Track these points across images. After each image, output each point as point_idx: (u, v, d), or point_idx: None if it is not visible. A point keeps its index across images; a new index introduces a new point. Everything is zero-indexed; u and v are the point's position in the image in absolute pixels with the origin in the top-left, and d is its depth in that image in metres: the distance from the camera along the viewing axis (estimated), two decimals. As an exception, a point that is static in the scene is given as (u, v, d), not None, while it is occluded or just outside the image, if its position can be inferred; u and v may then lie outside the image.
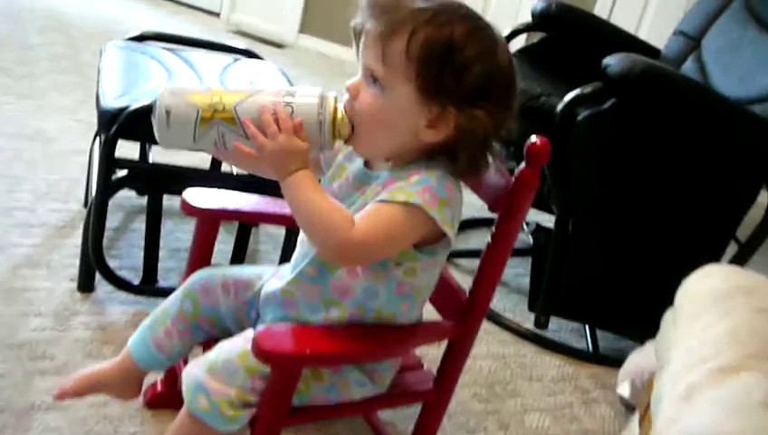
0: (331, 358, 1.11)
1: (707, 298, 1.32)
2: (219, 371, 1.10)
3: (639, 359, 1.76)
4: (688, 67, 2.49)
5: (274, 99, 1.07)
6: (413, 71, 1.02)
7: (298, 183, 1.05)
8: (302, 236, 1.21)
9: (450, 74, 1.02)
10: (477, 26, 1.06)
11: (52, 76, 3.13)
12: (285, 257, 1.88)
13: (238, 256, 1.86)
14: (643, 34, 3.68)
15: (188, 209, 1.35)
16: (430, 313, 1.30)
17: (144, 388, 1.39)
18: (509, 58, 1.08)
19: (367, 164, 1.17)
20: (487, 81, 1.05)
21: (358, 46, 1.07)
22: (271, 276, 1.26)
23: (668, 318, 1.49)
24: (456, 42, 1.02)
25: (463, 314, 1.26)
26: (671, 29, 3.81)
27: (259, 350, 1.02)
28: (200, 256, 1.41)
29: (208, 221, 1.39)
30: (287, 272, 1.22)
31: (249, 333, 1.12)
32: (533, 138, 1.16)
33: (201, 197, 1.36)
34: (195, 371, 1.10)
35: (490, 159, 1.12)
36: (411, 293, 1.16)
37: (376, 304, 1.14)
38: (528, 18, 2.68)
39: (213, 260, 1.43)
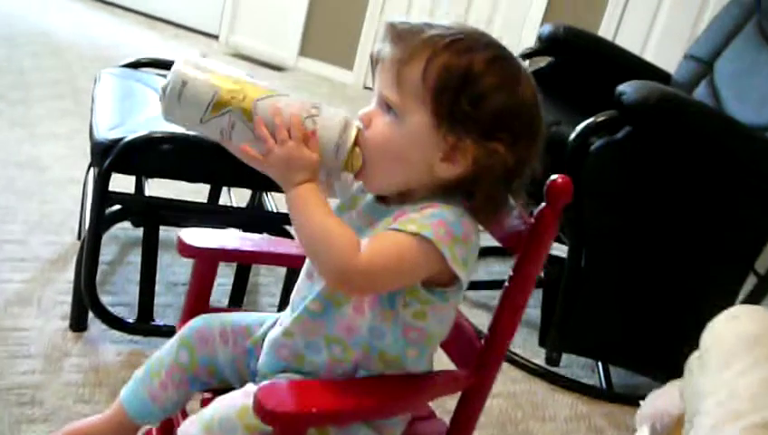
0: (338, 416, 1.03)
1: (737, 343, 1.24)
2: (216, 429, 1.01)
3: (660, 401, 1.67)
4: (700, 92, 2.43)
5: (299, 106, 1.00)
6: (428, 98, 0.96)
7: (304, 197, 0.98)
8: (304, 273, 1.13)
9: (467, 103, 0.95)
10: (499, 55, 0.99)
11: (46, 102, 3.06)
12: (287, 297, 1.81)
13: (237, 297, 1.78)
14: (649, 56, 3.62)
15: (186, 250, 1.27)
16: (440, 357, 1.22)
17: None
18: (533, 90, 1.01)
19: (379, 199, 1.09)
20: (508, 112, 0.98)
21: (374, 74, 1.01)
22: (272, 325, 1.18)
23: (694, 362, 1.40)
24: (475, 70, 0.95)
25: (478, 363, 1.17)
26: (678, 50, 3.78)
27: (262, 409, 0.94)
28: (198, 298, 1.32)
29: (206, 262, 1.31)
30: (287, 314, 1.14)
31: (248, 388, 1.05)
32: (554, 176, 1.09)
33: (199, 236, 1.28)
34: (191, 430, 1.02)
35: (511, 199, 1.04)
36: (420, 340, 1.08)
37: (381, 344, 1.06)
38: (532, 42, 2.63)
39: (211, 295, 1.35)
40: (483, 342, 1.18)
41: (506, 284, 1.14)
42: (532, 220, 1.09)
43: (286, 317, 1.13)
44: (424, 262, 0.97)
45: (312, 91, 4.18)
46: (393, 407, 1.09)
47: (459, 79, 0.95)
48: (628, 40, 3.81)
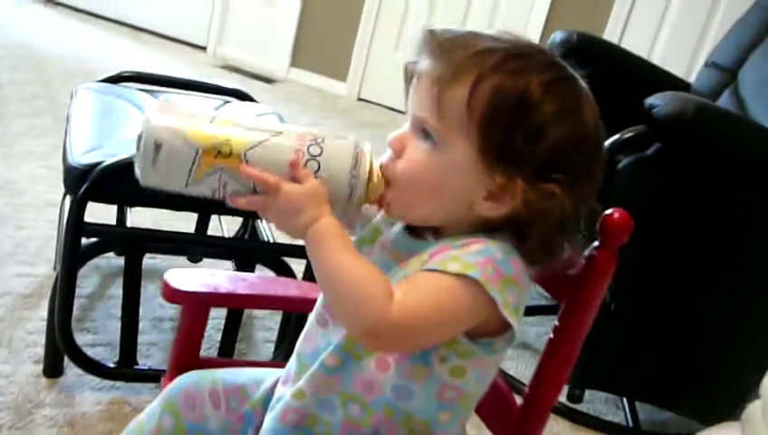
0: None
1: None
2: None
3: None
4: (724, 102, 2.27)
5: (295, 147, 0.82)
6: (474, 128, 0.79)
7: (323, 236, 0.81)
8: (315, 319, 0.95)
9: (522, 137, 0.79)
10: (561, 77, 0.82)
11: (23, 119, 2.88)
12: (285, 340, 1.62)
13: (227, 347, 1.58)
14: (656, 59, 3.48)
15: (172, 295, 1.10)
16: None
17: None
18: (596, 117, 0.84)
19: (410, 229, 0.91)
20: (569, 148, 0.81)
21: (408, 90, 0.85)
22: (273, 385, 1.00)
23: (756, 414, 1.24)
24: (533, 96, 0.78)
25: (516, 428, 1.00)
26: (686, 53, 3.65)
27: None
28: (187, 347, 1.15)
29: (196, 307, 1.13)
30: (293, 368, 0.96)
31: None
32: (610, 211, 0.92)
33: (186, 279, 1.11)
34: None
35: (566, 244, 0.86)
36: (456, 400, 0.90)
37: (408, 407, 0.88)
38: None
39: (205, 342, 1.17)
40: (522, 402, 1.01)
41: (551, 335, 0.97)
42: (583, 262, 0.92)
43: (291, 373, 0.96)
44: (470, 309, 0.80)
45: (304, 102, 4.01)
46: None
47: (513, 108, 0.78)
48: (635, 42, 3.66)
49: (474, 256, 0.80)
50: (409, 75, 0.85)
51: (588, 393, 2.00)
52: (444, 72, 0.79)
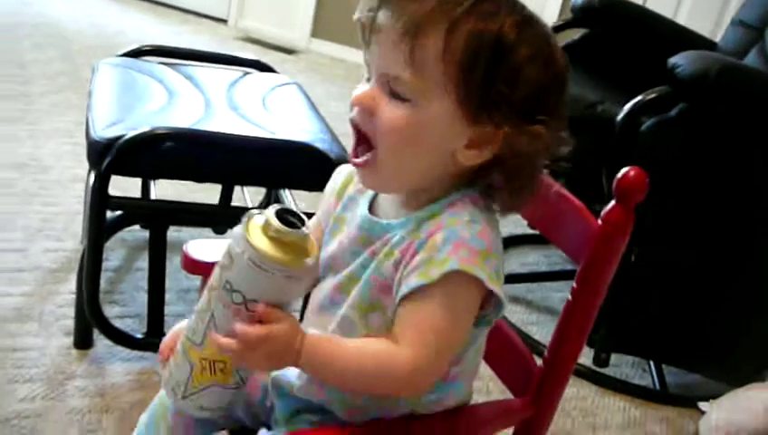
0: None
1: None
2: None
3: (733, 413, 1.50)
4: (751, 61, 2.22)
5: (220, 303, 0.79)
6: (452, 77, 0.77)
7: (310, 361, 0.80)
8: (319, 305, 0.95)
9: (502, 80, 0.77)
10: (530, 17, 0.80)
11: (48, 96, 2.90)
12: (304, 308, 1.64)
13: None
14: (682, 20, 3.40)
15: (191, 265, 1.11)
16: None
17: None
18: (565, 57, 0.83)
19: (371, 210, 0.91)
20: (547, 88, 0.80)
21: (368, 44, 0.80)
22: None
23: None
24: (507, 38, 0.77)
25: (537, 390, 1.00)
26: (712, 14, 3.57)
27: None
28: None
29: (217, 278, 1.14)
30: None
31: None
32: (626, 169, 0.91)
33: (206, 249, 1.12)
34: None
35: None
36: (459, 377, 0.91)
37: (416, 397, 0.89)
38: (556, 14, 2.43)
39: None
40: (543, 364, 1.01)
41: (570, 298, 0.97)
42: (600, 223, 0.92)
43: None
44: (469, 298, 0.81)
45: (325, 73, 4.00)
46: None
47: (491, 52, 0.76)
48: (660, 3, 3.58)
49: (443, 250, 0.79)
50: (368, 29, 0.79)
51: (615, 357, 1.99)
52: (412, 24, 0.75)
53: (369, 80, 0.82)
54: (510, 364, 1.06)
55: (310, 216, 0.87)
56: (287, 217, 0.77)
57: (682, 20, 3.46)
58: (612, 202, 0.92)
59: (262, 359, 0.79)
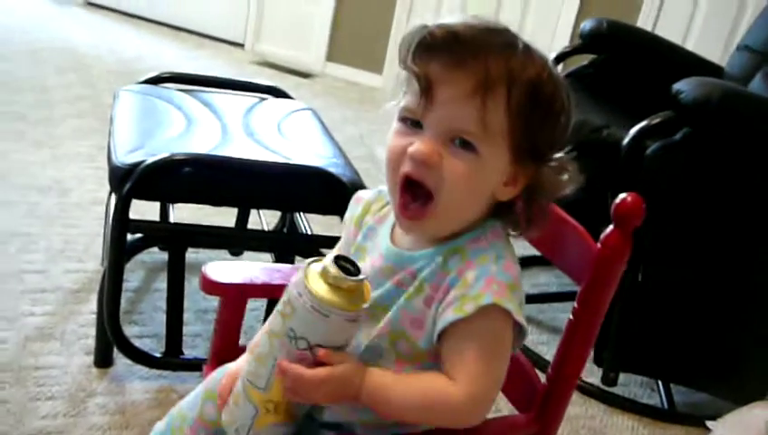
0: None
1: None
2: None
3: (737, 431, 1.53)
4: (756, 86, 2.26)
5: (285, 350, 0.85)
6: (512, 126, 0.82)
7: (373, 393, 0.85)
8: None
9: (550, 126, 0.85)
10: (542, 55, 0.86)
11: (69, 120, 2.98)
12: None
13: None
14: (690, 46, 3.45)
15: (210, 287, 1.16)
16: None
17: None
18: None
19: (392, 240, 0.94)
20: (566, 126, 0.88)
21: (425, 97, 0.82)
22: None
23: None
24: (547, 86, 0.83)
25: (541, 406, 1.04)
26: (721, 40, 3.61)
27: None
28: (226, 338, 1.21)
29: (234, 298, 1.19)
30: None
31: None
32: (623, 195, 0.95)
33: (224, 271, 1.17)
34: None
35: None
36: None
37: None
38: (566, 41, 2.48)
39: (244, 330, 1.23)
40: (545, 381, 1.05)
41: (571, 317, 1.01)
42: (599, 246, 0.96)
43: None
44: (504, 329, 0.86)
45: (341, 96, 4.06)
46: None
47: (544, 102, 0.83)
48: (669, 29, 3.63)
49: (476, 286, 0.84)
50: (428, 82, 0.82)
51: (623, 377, 2.02)
52: (482, 81, 0.80)
53: (413, 124, 0.84)
54: (515, 382, 1.09)
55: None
56: (343, 263, 0.83)
57: (691, 45, 3.52)
58: (611, 226, 0.96)
59: (325, 397, 0.85)
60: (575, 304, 1.00)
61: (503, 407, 1.61)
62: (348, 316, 0.82)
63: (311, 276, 0.83)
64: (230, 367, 1.00)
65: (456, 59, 0.81)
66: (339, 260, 0.83)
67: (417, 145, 0.83)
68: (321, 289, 0.81)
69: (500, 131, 0.82)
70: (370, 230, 0.98)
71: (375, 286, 0.91)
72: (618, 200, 0.95)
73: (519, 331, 0.88)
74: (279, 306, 0.87)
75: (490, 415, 1.05)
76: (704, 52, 2.61)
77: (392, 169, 0.86)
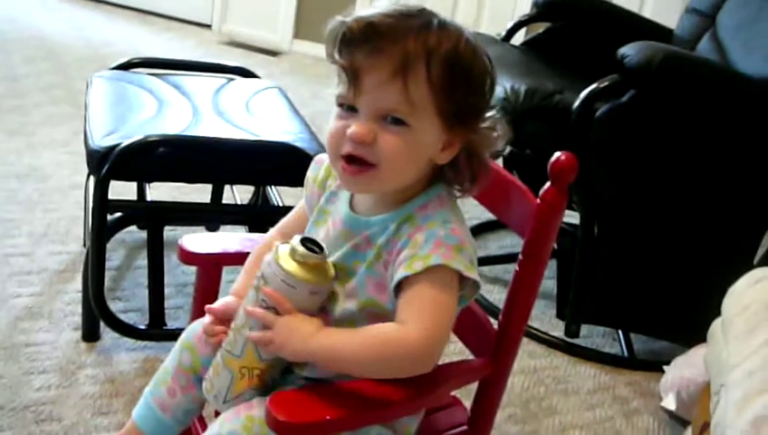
0: (354, 421, 1.00)
1: (761, 309, 1.20)
2: None
3: (684, 370, 1.65)
4: (704, 47, 2.36)
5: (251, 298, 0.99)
6: (436, 97, 0.92)
7: (323, 346, 0.95)
8: None
9: (472, 92, 0.94)
10: (458, 27, 0.95)
11: (43, 108, 3.03)
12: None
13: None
14: (647, 12, 3.54)
15: (186, 257, 1.25)
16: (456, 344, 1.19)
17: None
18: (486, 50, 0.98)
19: (351, 205, 1.05)
20: (489, 90, 0.98)
21: (354, 86, 0.92)
22: None
23: (717, 330, 1.37)
24: (464, 55, 0.93)
25: (494, 350, 1.14)
26: (677, 5, 3.70)
27: (275, 420, 0.91)
28: (204, 304, 1.29)
29: (209, 268, 1.28)
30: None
31: (252, 400, 1.02)
32: (557, 154, 1.05)
33: (199, 242, 1.26)
34: (203, 448, 1.00)
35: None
36: None
37: None
38: (527, 9, 2.57)
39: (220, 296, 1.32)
40: (497, 327, 1.15)
41: (516, 268, 1.11)
42: (538, 201, 1.06)
43: None
44: (451, 285, 0.95)
45: (309, 73, 4.12)
46: (409, 406, 1.06)
47: (461, 72, 0.92)
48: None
49: (425, 247, 0.93)
50: (354, 72, 0.90)
51: (586, 329, 2.14)
52: (399, 64, 0.89)
53: (349, 109, 0.94)
54: (472, 331, 1.20)
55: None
56: (309, 244, 0.95)
57: (647, 12, 3.61)
58: (548, 183, 1.06)
59: (283, 342, 0.94)
60: (520, 256, 1.10)
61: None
62: (311, 289, 0.95)
63: (281, 255, 0.96)
64: (204, 320, 1.11)
65: (376, 47, 0.90)
66: (305, 241, 0.96)
67: (353, 127, 0.93)
68: (290, 266, 0.94)
69: (426, 104, 0.92)
70: (332, 195, 1.07)
71: (335, 248, 1.01)
72: (552, 159, 1.05)
73: (473, 284, 0.98)
74: (254, 282, 0.99)
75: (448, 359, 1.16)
76: (660, 18, 2.70)
77: (334, 151, 0.96)
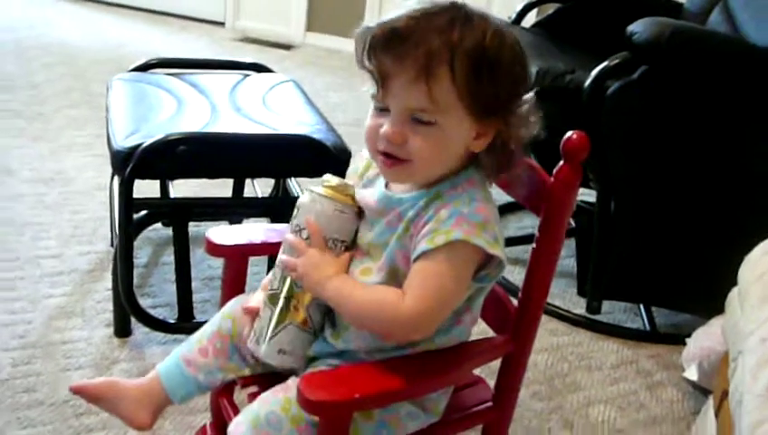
0: (381, 399, 1.04)
1: (775, 276, 1.22)
2: (263, 424, 1.03)
3: (704, 340, 1.67)
4: (714, 19, 2.37)
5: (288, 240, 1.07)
6: (463, 94, 0.95)
7: (339, 286, 1.01)
8: None
9: (499, 84, 0.96)
10: (485, 18, 0.97)
11: (63, 112, 3.10)
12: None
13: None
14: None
15: (214, 249, 1.28)
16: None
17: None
18: (517, 39, 1.00)
19: (386, 186, 1.09)
20: (520, 71, 1.00)
21: (382, 88, 0.96)
22: None
23: (734, 299, 1.39)
24: (490, 48, 0.95)
25: (515, 327, 1.18)
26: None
27: (305, 400, 0.95)
28: (232, 295, 1.34)
29: (236, 259, 1.32)
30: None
31: (289, 382, 1.08)
32: (569, 133, 1.08)
33: (225, 234, 1.29)
34: (240, 428, 1.04)
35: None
36: (468, 320, 1.10)
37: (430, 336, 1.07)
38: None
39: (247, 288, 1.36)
40: (517, 305, 1.18)
41: (534, 245, 1.14)
42: (552, 180, 1.09)
43: None
44: (468, 262, 0.99)
45: (322, 65, 4.16)
46: (434, 383, 1.10)
47: (487, 67, 0.94)
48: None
49: (448, 223, 0.97)
50: (380, 76, 0.95)
51: (607, 305, 2.16)
52: (423, 66, 0.92)
53: (382, 110, 0.99)
54: (492, 308, 1.23)
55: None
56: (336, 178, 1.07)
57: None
58: (561, 162, 1.09)
59: (307, 269, 1.01)
60: (536, 233, 1.13)
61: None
62: (337, 206, 1.04)
63: (312, 187, 1.06)
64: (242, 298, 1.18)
65: (399, 53, 0.94)
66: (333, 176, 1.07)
67: (385, 127, 0.97)
68: (319, 189, 1.05)
69: (452, 102, 0.94)
70: (369, 181, 1.12)
71: (371, 226, 1.06)
72: (565, 138, 1.08)
73: (498, 265, 1.01)
74: (291, 221, 1.08)
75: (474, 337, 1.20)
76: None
77: (372, 146, 1.02)
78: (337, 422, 1.00)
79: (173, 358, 1.20)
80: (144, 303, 1.90)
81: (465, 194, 1.00)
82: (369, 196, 1.09)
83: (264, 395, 1.07)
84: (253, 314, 1.12)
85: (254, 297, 1.16)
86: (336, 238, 1.04)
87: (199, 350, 1.18)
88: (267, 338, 1.06)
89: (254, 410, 1.05)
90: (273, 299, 1.07)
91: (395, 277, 1.02)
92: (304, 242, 1.03)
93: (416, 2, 0.98)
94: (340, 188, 1.05)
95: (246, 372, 1.19)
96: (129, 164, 1.62)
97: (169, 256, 2.12)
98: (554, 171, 1.09)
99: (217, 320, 1.20)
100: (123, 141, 1.67)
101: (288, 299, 1.06)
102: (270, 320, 1.07)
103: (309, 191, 1.06)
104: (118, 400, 1.19)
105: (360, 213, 1.07)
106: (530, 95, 1.02)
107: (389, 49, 0.94)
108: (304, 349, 1.09)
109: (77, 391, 1.19)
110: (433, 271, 0.97)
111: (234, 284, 1.34)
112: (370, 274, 1.05)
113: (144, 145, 1.62)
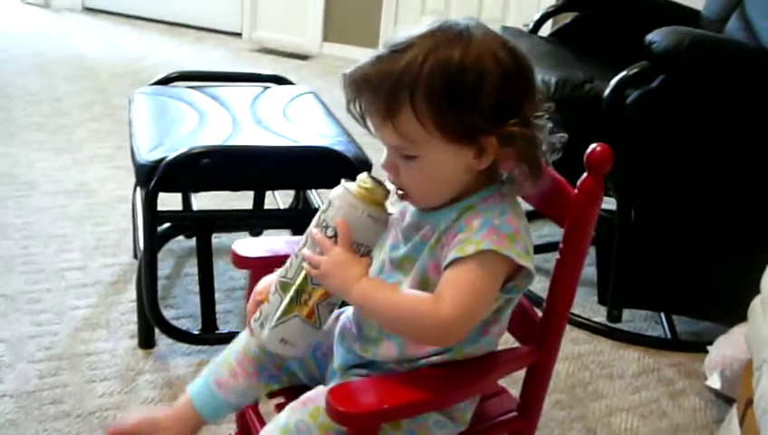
0: (410, 409, 1.05)
1: (799, 285, 1.22)
2: (293, 432, 1.05)
3: (727, 349, 1.66)
4: (732, 26, 2.37)
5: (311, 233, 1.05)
6: (432, 127, 0.95)
7: (365, 289, 1.00)
8: None
9: (468, 110, 0.95)
10: (456, 37, 0.96)
11: (85, 125, 3.13)
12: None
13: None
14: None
15: (240, 262, 1.30)
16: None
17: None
18: (510, 49, 0.98)
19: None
20: (500, 89, 0.96)
21: (367, 127, 1.01)
22: (342, 312, 1.19)
23: (757, 307, 1.39)
24: (453, 72, 0.93)
25: (539, 338, 1.18)
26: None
27: (334, 411, 0.96)
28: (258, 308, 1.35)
29: (261, 271, 1.34)
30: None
31: (318, 390, 1.08)
32: (593, 145, 1.08)
33: (251, 246, 1.31)
34: (270, 437, 1.05)
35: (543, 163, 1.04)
36: (496, 331, 1.11)
37: (459, 345, 1.08)
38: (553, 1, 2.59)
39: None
40: (541, 315, 1.19)
41: (558, 256, 1.15)
42: (576, 191, 1.10)
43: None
44: (497, 272, 1.00)
45: (339, 75, 4.17)
46: (461, 394, 1.11)
47: (448, 94, 0.93)
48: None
49: (478, 233, 0.98)
50: (361, 117, 0.99)
51: (628, 313, 2.16)
52: (384, 106, 0.95)
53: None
54: (516, 319, 1.24)
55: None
56: (374, 178, 1.03)
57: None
58: (585, 174, 1.10)
59: (331, 268, 1.00)
60: (560, 245, 1.14)
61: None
62: (371, 213, 1.02)
63: (347, 185, 1.04)
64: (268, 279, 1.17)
65: (366, 99, 0.97)
66: (370, 177, 1.04)
67: (382, 161, 1.02)
68: (354, 189, 1.02)
69: (424, 136, 0.95)
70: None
71: (405, 240, 1.08)
72: (588, 150, 1.09)
73: (527, 276, 1.03)
74: (318, 213, 1.06)
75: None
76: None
77: None
78: (366, 433, 1.01)
79: (204, 380, 1.22)
80: (167, 314, 1.92)
81: (497, 206, 1.02)
82: (405, 212, 1.11)
83: (292, 404, 1.08)
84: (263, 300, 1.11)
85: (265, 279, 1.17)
86: (361, 244, 1.04)
87: (230, 372, 1.20)
88: (272, 325, 1.06)
89: (284, 419, 1.06)
90: (284, 287, 1.06)
91: (425, 287, 1.04)
92: (330, 240, 1.03)
93: (428, 22, 0.98)
94: (375, 192, 1.03)
95: (276, 387, 1.22)
96: (153, 177, 1.64)
97: (191, 268, 2.15)
98: (578, 183, 1.09)
99: (244, 337, 1.21)
100: (147, 155, 1.69)
101: (299, 292, 1.05)
102: (278, 308, 1.05)
103: (344, 189, 1.03)
104: (154, 429, 1.21)
105: (387, 221, 1.07)
106: (533, 106, 1.00)
107: (360, 95, 0.98)
108: (307, 341, 1.08)
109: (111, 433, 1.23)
110: (465, 278, 0.98)
111: (259, 295, 1.35)
112: (401, 285, 1.06)
113: (168, 159, 1.64)
